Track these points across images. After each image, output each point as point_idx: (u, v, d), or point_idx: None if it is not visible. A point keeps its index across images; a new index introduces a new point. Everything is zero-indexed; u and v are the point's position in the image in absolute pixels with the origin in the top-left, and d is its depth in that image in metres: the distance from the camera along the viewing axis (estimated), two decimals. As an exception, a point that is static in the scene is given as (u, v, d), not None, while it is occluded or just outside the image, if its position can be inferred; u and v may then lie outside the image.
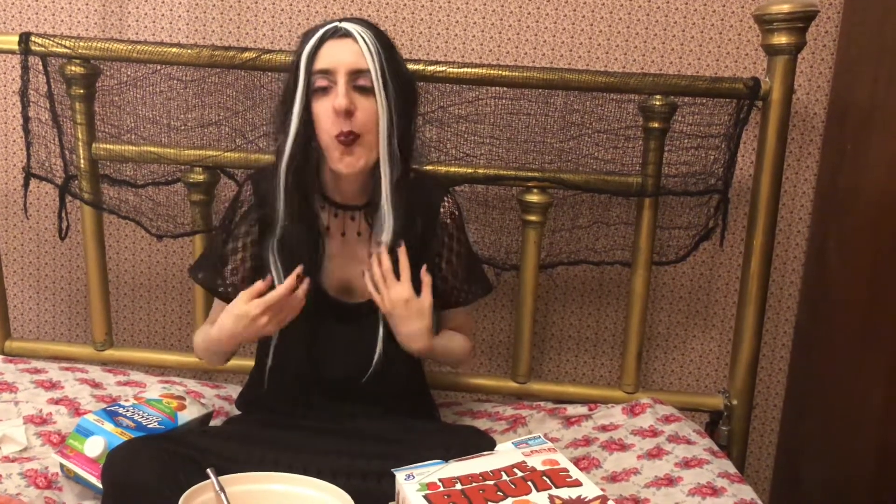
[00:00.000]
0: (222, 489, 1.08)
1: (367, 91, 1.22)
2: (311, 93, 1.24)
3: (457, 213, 1.39)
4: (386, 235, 1.28)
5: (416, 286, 1.33)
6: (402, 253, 1.27)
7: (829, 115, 1.72)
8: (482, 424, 1.55)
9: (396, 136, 1.25)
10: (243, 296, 1.24)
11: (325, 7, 1.76)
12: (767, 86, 1.53)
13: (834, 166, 1.68)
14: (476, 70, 1.54)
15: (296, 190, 1.27)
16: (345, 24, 1.24)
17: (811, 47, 1.68)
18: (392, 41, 1.30)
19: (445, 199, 1.38)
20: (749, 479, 1.69)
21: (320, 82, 1.23)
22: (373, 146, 1.24)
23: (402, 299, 1.26)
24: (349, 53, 1.22)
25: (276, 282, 1.28)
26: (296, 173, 1.26)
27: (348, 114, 1.21)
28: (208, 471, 1.10)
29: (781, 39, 1.50)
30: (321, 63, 1.23)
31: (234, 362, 1.71)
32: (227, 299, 1.35)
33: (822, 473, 1.64)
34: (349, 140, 1.23)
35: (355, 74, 1.22)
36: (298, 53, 1.25)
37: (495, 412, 1.61)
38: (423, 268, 1.30)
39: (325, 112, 1.23)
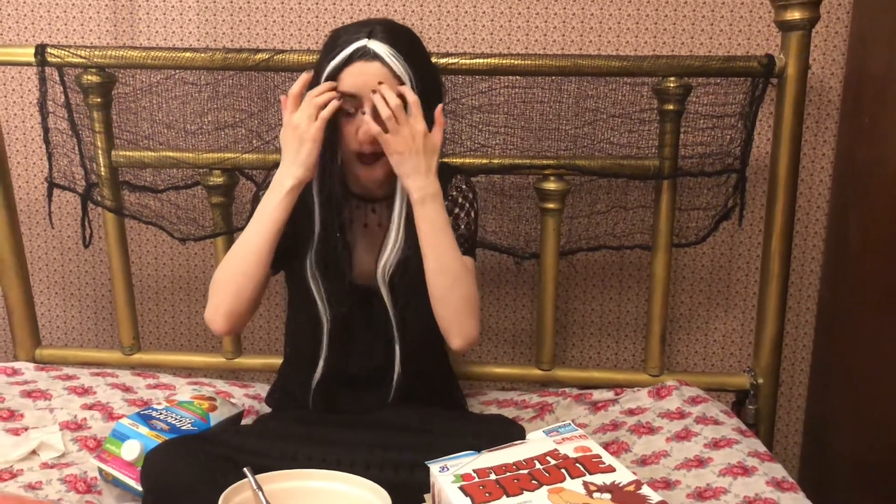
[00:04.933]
0: (259, 487, 1.10)
1: None
2: (337, 113, 1.23)
3: (463, 186, 1.37)
4: (387, 260, 1.29)
5: None
6: (408, 91, 1.21)
7: (845, 88, 1.70)
8: (509, 413, 1.56)
9: None
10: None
11: (335, 4, 1.76)
12: (782, 62, 1.52)
13: (852, 140, 1.67)
14: (488, 60, 1.54)
15: (330, 203, 1.29)
16: (373, 45, 1.21)
17: (825, 20, 1.67)
18: (420, 43, 1.28)
19: (454, 178, 1.37)
20: (777, 457, 1.69)
21: (346, 105, 1.23)
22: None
23: (419, 132, 1.21)
24: (376, 78, 1.20)
25: (318, 300, 1.30)
26: (329, 186, 1.28)
27: (373, 141, 1.22)
28: (245, 470, 1.12)
29: (795, 15, 1.49)
30: (347, 86, 1.21)
31: (260, 360, 1.74)
32: None
33: (850, 447, 1.64)
34: (370, 160, 1.25)
35: None
36: (322, 63, 1.24)
37: (521, 400, 1.62)
38: (439, 107, 1.25)
39: (350, 131, 1.24)
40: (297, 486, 1.14)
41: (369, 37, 1.21)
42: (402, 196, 1.27)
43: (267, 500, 1.08)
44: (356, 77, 1.21)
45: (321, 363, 1.33)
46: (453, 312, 1.28)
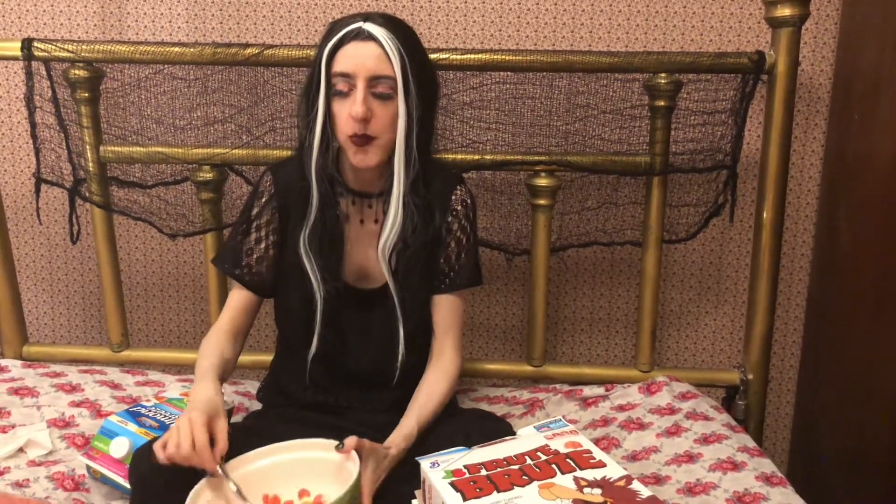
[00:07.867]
0: (226, 474, 1.08)
1: (385, 97, 1.22)
2: (330, 94, 1.24)
3: (468, 201, 1.39)
4: (387, 238, 1.28)
5: (427, 276, 1.35)
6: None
7: (834, 85, 1.71)
8: (499, 409, 1.56)
9: (415, 139, 1.25)
10: (197, 427, 1.11)
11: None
12: (772, 59, 1.52)
13: (841, 136, 1.68)
14: (480, 56, 1.54)
15: (324, 180, 1.29)
16: (369, 27, 1.21)
17: (815, 17, 1.68)
18: (417, 38, 1.28)
19: (458, 187, 1.38)
20: (767, 452, 1.70)
21: (340, 85, 1.22)
22: (387, 146, 1.25)
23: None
24: (370, 58, 1.21)
25: (311, 275, 1.29)
26: (323, 166, 1.28)
27: (364, 121, 1.22)
28: (215, 468, 1.09)
29: (785, 11, 1.49)
30: (342, 66, 1.22)
31: (250, 357, 1.74)
32: (253, 287, 1.36)
33: (838, 443, 1.65)
34: (363, 142, 1.24)
35: (375, 80, 1.21)
36: (321, 48, 1.25)
37: (512, 396, 1.62)
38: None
39: (342, 114, 1.24)
40: (272, 461, 1.12)
41: (366, 20, 1.23)
42: (400, 176, 1.26)
43: (239, 489, 1.07)
44: (351, 58, 1.21)
45: (315, 341, 1.32)
46: None
